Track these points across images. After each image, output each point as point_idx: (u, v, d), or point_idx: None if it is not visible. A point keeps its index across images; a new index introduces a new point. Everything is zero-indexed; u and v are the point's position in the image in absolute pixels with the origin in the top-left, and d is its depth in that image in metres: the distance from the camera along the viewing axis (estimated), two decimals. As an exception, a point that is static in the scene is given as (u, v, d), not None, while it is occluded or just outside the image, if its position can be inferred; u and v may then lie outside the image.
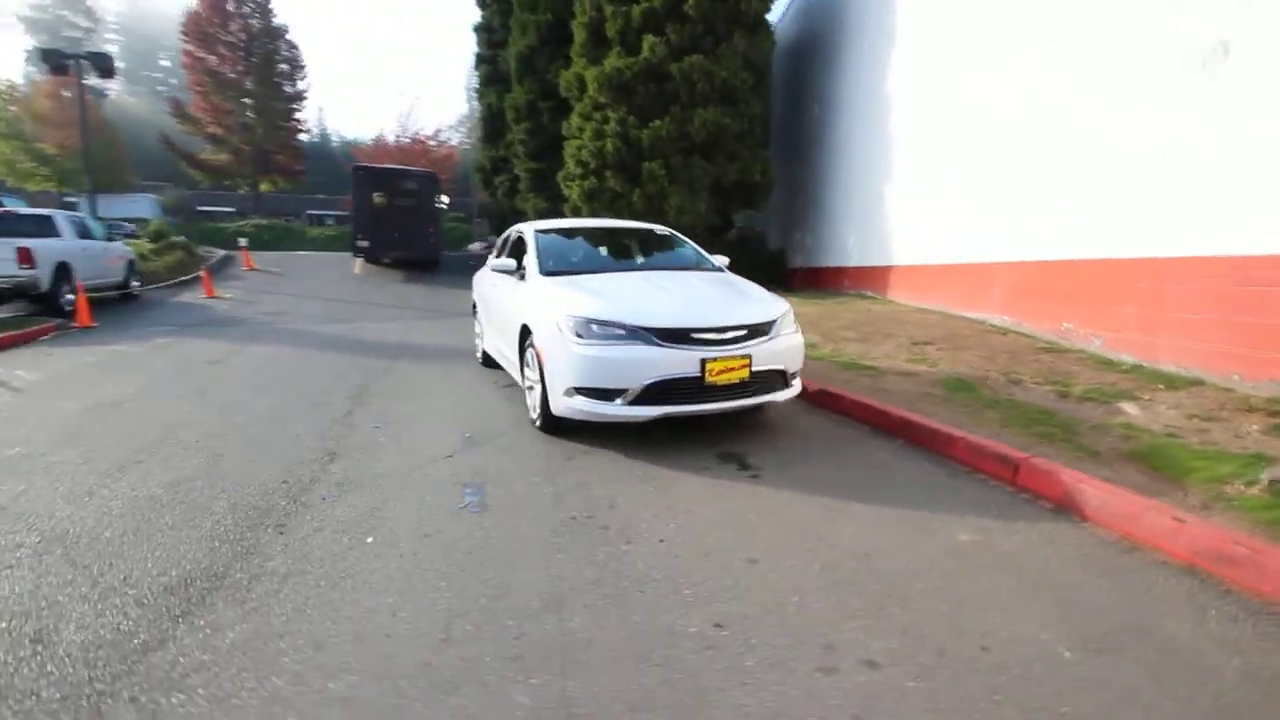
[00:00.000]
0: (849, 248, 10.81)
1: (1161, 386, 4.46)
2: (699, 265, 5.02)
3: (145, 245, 15.62)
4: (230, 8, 30.10)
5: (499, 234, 22.03)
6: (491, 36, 17.56)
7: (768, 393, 3.88)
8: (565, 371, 3.72)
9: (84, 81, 16.05)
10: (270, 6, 31.23)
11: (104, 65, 15.95)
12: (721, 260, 5.19)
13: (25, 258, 8.85)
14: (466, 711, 1.67)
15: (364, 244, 16.20)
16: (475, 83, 66.79)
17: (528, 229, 5.28)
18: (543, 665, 1.84)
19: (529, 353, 4.25)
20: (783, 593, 2.22)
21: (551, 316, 3.89)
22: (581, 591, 2.24)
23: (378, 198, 16.15)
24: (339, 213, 39.58)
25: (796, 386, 4.10)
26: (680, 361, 3.58)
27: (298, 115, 32.92)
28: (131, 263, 12.11)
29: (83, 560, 2.49)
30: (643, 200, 11.19)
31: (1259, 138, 4.11)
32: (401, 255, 16.77)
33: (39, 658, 1.89)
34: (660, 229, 5.65)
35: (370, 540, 2.66)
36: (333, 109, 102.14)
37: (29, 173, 27.12)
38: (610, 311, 3.73)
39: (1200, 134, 4.48)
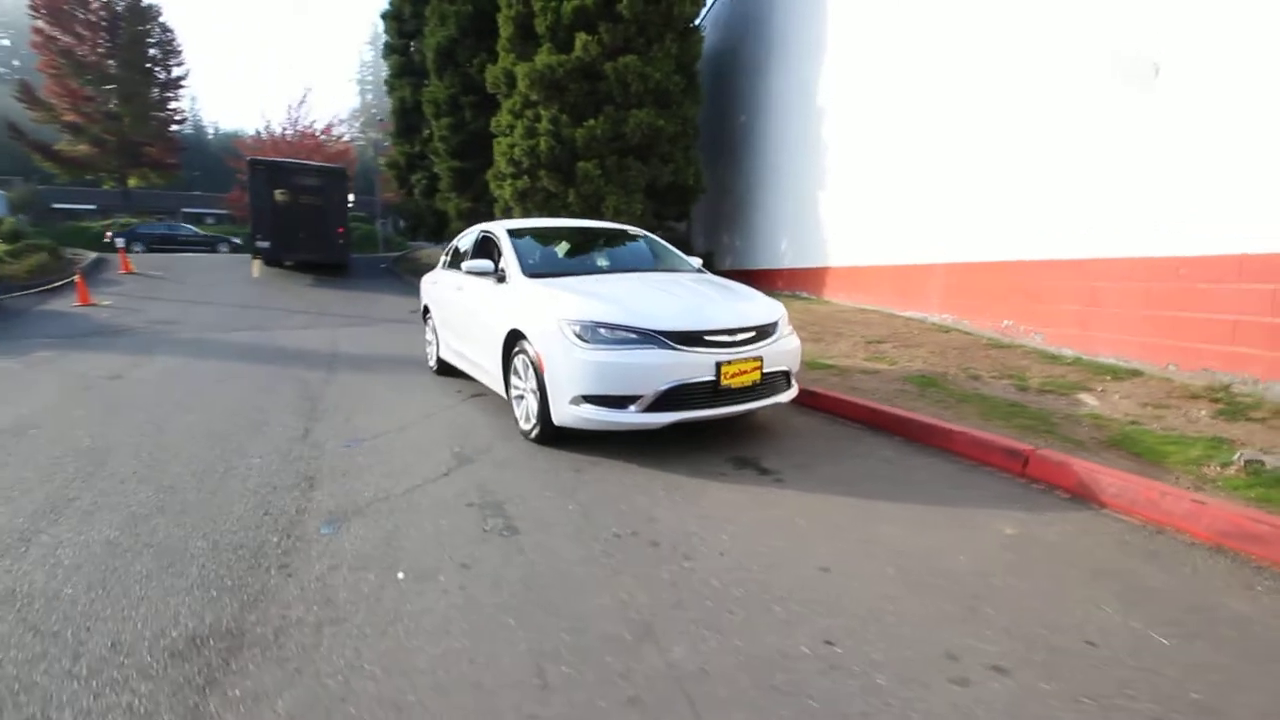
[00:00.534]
0: (781, 251, 11.12)
1: (1108, 377, 4.86)
2: (679, 266, 4.94)
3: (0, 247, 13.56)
4: (89, -18, 26.82)
5: (414, 234, 20.99)
6: (403, 25, 16.61)
7: (774, 394, 3.86)
8: (572, 379, 3.51)
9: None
10: (140, -16, 28.09)
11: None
12: (696, 261, 5.14)
13: None
14: (606, 767, 1.48)
15: (264, 245, 14.90)
16: (368, 74, 62.39)
17: (498, 229, 4.98)
18: (667, 707, 1.68)
19: (519, 359, 4.00)
20: (873, 601, 2.17)
21: (550, 320, 3.66)
22: (667, 617, 2.08)
23: (280, 195, 14.90)
24: (219, 211, 36.35)
25: (795, 388, 4.10)
26: (696, 365, 3.48)
27: (173, 104, 29.80)
28: (-17, 265, 10.44)
29: (47, 626, 2.04)
30: (579, 201, 10.99)
31: (1187, 149, 4.57)
32: (307, 257, 15.57)
33: (38, 760, 1.51)
34: (633, 229, 5.51)
35: (401, 576, 2.36)
36: (209, 98, 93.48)
37: None
38: (617, 314, 3.57)
39: (1133, 144, 4.91)
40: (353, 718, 1.65)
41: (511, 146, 11.23)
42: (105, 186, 31.08)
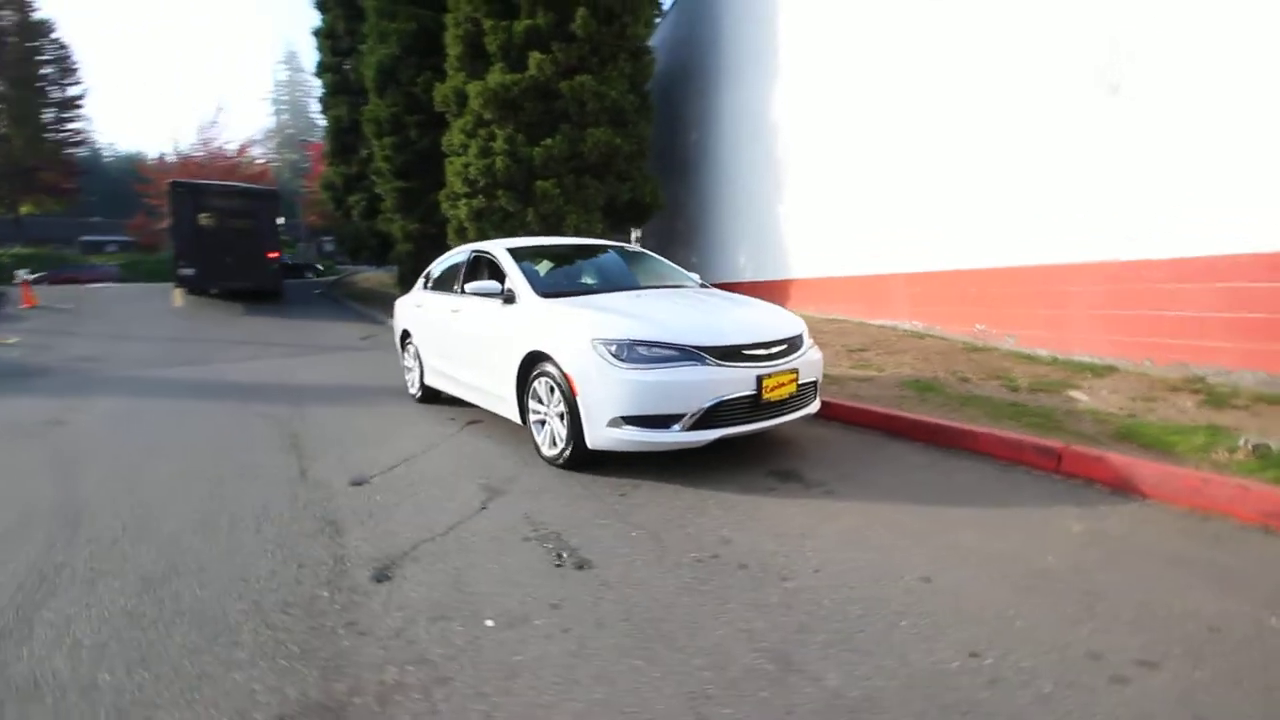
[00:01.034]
0: (740, 265, 11.30)
1: (1089, 375, 5.14)
2: (684, 281, 4.89)
3: None
4: (-34, -5, 24.49)
5: (355, 259, 20.04)
6: (336, 43, 15.96)
7: (805, 406, 3.85)
8: (610, 400, 3.38)
9: None
10: None
11: None
12: (695, 277, 5.12)
13: None
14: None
15: (188, 272, 13.89)
16: (282, 94, 60.05)
17: (495, 249, 4.80)
18: (848, 737, 1.59)
19: (541, 383, 3.82)
20: (991, 608, 2.15)
21: (581, 340, 3.53)
22: (799, 643, 1.99)
23: (205, 218, 13.95)
24: (121, 238, 33.75)
25: (819, 399, 4.12)
26: (737, 380, 3.42)
27: (70, 125, 27.46)
28: None
29: (98, 720, 1.73)
30: (538, 220, 10.82)
31: (1151, 161, 4.94)
32: (236, 285, 14.62)
33: None
34: (630, 246, 5.44)
35: (491, 624, 2.16)
36: (107, 118, 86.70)
37: None
38: (653, 331, 3.47)
39: (1099, 158, 5.27)
40: (514, 790, 1.47)
41: (466, 166, 10.95)
42: (-9, 214, 28.27)
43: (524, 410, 4.05)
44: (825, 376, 5.82)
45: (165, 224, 21.42)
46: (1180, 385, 4.61)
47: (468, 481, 3.66)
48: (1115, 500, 3.07)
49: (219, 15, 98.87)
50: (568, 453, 3.66)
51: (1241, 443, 3.46)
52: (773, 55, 9.87)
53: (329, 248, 39.76)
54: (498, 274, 4.91)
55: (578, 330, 3.60)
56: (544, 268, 4.92)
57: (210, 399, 6.38)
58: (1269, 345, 4.27)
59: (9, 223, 26.96)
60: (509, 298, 4.28)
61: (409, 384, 6.06)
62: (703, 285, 4.94)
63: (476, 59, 11.44)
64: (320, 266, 25.54)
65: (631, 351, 3.40)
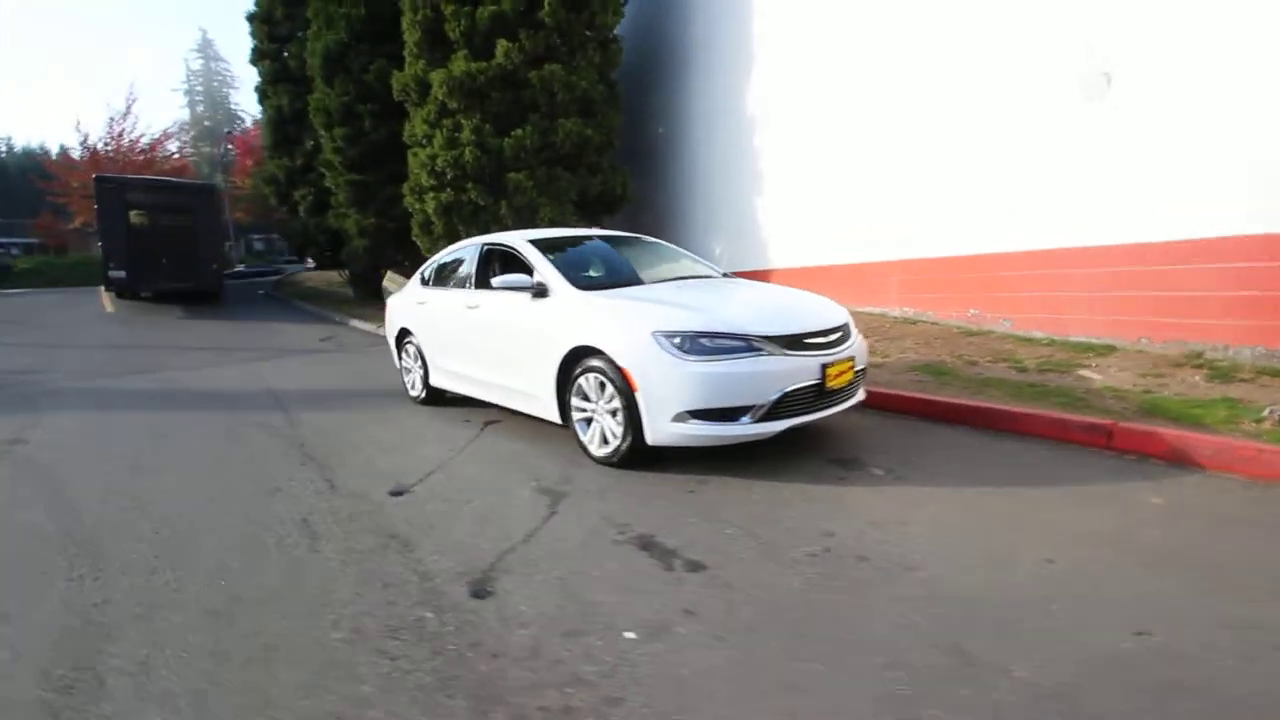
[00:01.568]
0: (716, 256, 11.29)
1: (1091, 354, 5.36)
2: (710, 272, 4.80)
3: None
4: None
5: (302, 257, 18.93)
6: (274, 29, 14.97)
7: (857, 393, 3.84)
8: (675, 393, 3.26)
9: None
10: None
11: None
12: (716, 266, 5.04)
13: None
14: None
15: (118, 274, 12.84)
16: (197, 85, 56.43)
17: (516, 242, 4.58)
18: (1072, 728, 1.54)
19: (589, 379, 3.66)
20: (1129, 586, 2.17)
21: (640, 333, 3.39)
22: (966, 634, 1.93)
23: (136, 217, 12.90)
24: (26, 240, 30.98)
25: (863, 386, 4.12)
26: (804, 369, 3.36)
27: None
28: None
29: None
30: (511, 213, 10.50)
31: (1144, 147, 5.17)
32: (173, 286, 13.61)
33: None
34: (646, 238, 5.31)
35: (632, 635, 2.02)
36: (2, 111, 78.82)
37: None
38: (715, 323, 3.37)
39: (1094, 144, 5.48)
40: (757, 816, 1.35)
41: (432, 158, 10.49)
42: None
43: (565, 408, 3.87)
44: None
45: (78, 223, 19.77)
46: (1182, 361, 4.85)
47: (518, 485, 3.47)
48: (1176, 473, 3.18)
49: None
50: (623, 450, 3.51)
51: (1266, 413, 3.65)
52: (747, 46, 9.88)
53: (259, 246, 37.69)
54: (514, 267, 4.70)
55: (635, 323, 3.46)
56: (595, 260, 4.72)
57: (184, 409, 5.86)
58: (1265, 322, 4.54)
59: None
60: (540, 291, 4.08)
61: (408, 385, 5.75)
62: (727, 275, 4.87)
63: (437, 46, 10.98)
64: (242, 266, 24.18)
65: (695, 343, 3.29)
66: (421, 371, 5.48)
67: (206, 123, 52.52)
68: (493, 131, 10.43)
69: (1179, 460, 3.27)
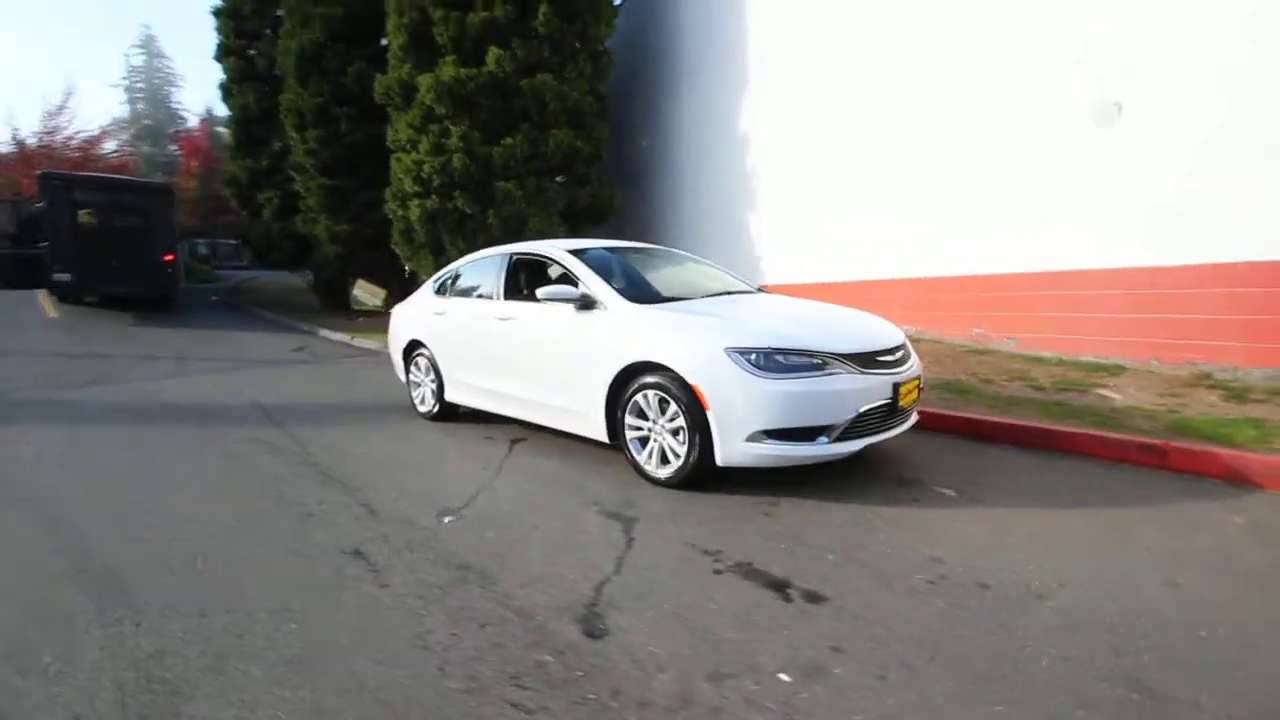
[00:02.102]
0: (704, 271, 11.27)
1: (1105, 374, 5.51)
2: (749, 288, 4.72)
3: None
4: None
5: (265, 261, 18.01)
6: (242, 25, 14.28)
7: (914, 412, 3.80)
8: (751, 412, 3.13)
9: None
10: None
11: None
12: (750, 282, 4.97)
13: None
14: None
15: (64, 277, 11.93)
16: (137, 81, 54.00)
17: (553, 251, 4.39)
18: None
19: (647, 395, 3.49)
20: (1260, 609, 2.14)
21: (711, 349, 3.25)
22: (1133, 665, 1.86)
23: (85, 216, 12.04)
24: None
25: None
26: (877, 388, 3.29)
27: None
28: None
29: None
30: (499, 223, 10.25)
31: (1147, 175, 5.37)
32: (124, 290, 12.72)
33: None
34: (678, 251, 5.19)
35: (787, 678, 1.87)
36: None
37: None
38: (789, 339, 3.27)
39: (1107, 169, 5.67)
40: None
41: (418, 164, 10.16)
42: None
43: (620, 426, 3.69)
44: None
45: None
46: (1195, 382, 5.02)
47: (577, 509, 3.27)
48: (1238, 492, 3.23)
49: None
50: (687, 471, 3.36)
51: (1298, 433, 3.78)
52: (742, 64, 9.96)
53: (202, 250, 35.98)
54: (548, 279, 4.52)
55: (704, 339, 3.32)
56: (638, 273, 4.56)
57: (164, 423, 5.39)
58: (1274, 344, 4.75)
59: None
60: (586, 304, 3.91)
61: (417, 400, 5.44)
62: (760, 290, 4.79)
63: (423, 50, 10.69)
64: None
65: (770, 360, 3.18)
66: (434, 386, 5.19)
67: (147, 121, 49.96)
68: (481, 139, 10.19)
69: (1235, 480, 3.34)
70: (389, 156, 11.17)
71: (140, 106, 51.59)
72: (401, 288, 14.98)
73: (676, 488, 3.45)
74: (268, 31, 13.83)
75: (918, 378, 3.58)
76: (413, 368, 5.45)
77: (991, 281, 6.66)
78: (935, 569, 2.50)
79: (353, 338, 11.07)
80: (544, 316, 4.17)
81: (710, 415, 3.23)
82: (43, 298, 12.60)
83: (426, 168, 10.07)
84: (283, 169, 13.25)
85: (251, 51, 14.32)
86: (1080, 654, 1.94)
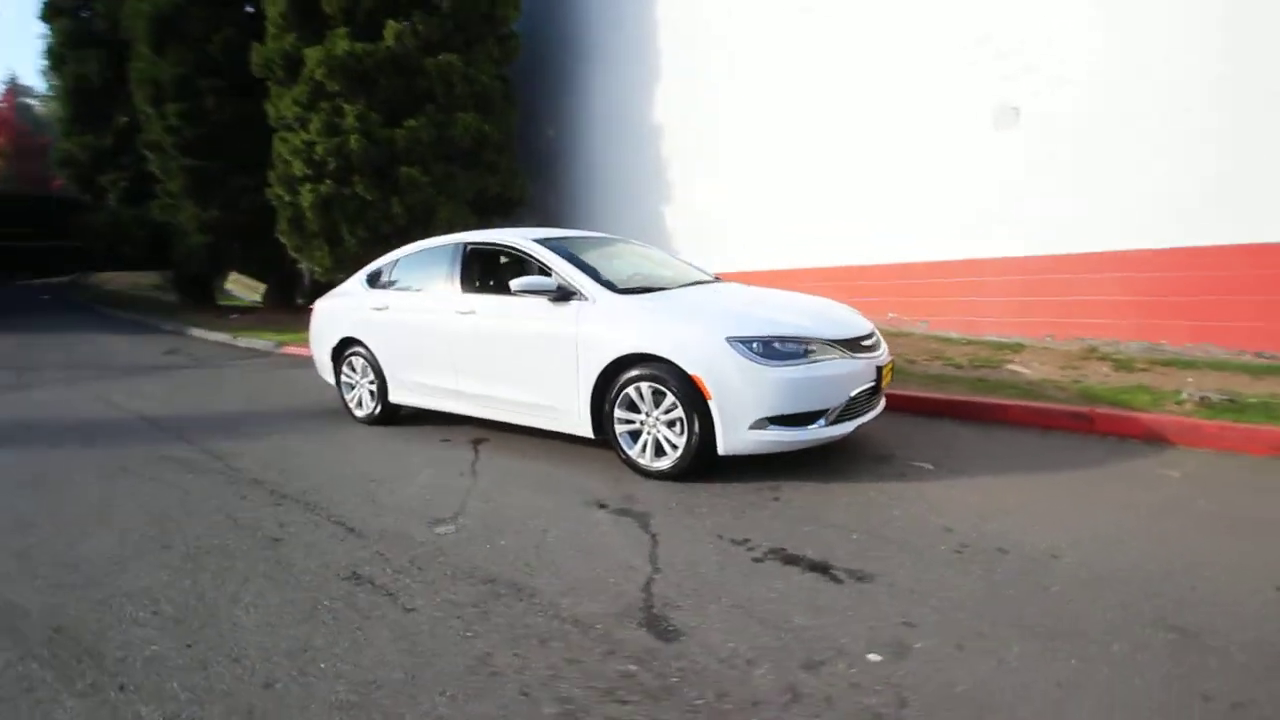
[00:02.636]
0: (618, 261, 11.24)
1: (1009, 351, 6.12)
2: (705, 277, 4.74)
3: None
4: None
5: (112, 251, 15.50)
6: (72, -22, 12.25)
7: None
8: (756, 400, 3.16)
9: None
10: None
11: None
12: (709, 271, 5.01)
13: None
14: None
15: None
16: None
17: (518, 241, 4.17)
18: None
19: (639, 388, 3.42)
20: (1235, 546, 2.47)
21: (710, 339, 3.24)
22: (1167, 611, 2.07)
23: None
24: None
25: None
26: (865, 372, 3.44)
27: None
28: None
29: None
30: (404, 212, 9.61)
31: (1047, 171, 6.01)
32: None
33: None
34: (631, 240, 5.11)
35: (876, 657, 1.90)
36: None
37: None
38: (786, 327, 3.33)
39: (999, 167, 6.27)
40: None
41: (309, 144, 9.27)
42: None
43: (603, 421, 3.59)
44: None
45: None
46: (1086, 355, 5.71)
47: (579, 508, 3.15)
48: (1158, 449, 3.71)
49: None
50: (687, 461, 3.34)
51: (1185, 395, 4.40)
52: (653, 53, 9.96)
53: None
54: (512, 270, 4.31)
55: (702, 328, 3.30)
56: (609, 262, 4.38)
57: (37, 448, 4.54)
58: (1145, 320, 5.51)
59: None
60: (564, 295, 3.75)
61: (352, 403, 4.98)
62: (718, 279, 4.84)
63: (309, 20, 9.75)
64: None
65: (769, 348, 3.22)
66: (374, 387, 4.78)
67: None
68: (381, 120, 9.48)
69: (1153, 439, 3.83)
70: (269, 135, 10.11)
71: None
72: (284, 283, 13.66)
73: (673, 479, 3.41)
74: (106, -12, 11.96)
75: (891, 362, 3.78)
76: (346, 368, 4.98)
77: (904, 269, 7.18)
78: (952, 538, 2.65)
79: (235, 337, 9.96)
80: (513, 309, 3.95)
81: (712, 405, 3.21)
82: None
83: (319, 149, 9.22)
84: (134, 147, 11.56)
85: (86, 13, 12.30)
86: (1114, 604, 2.13)
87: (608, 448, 3.71)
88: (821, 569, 2.45)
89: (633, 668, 1.90)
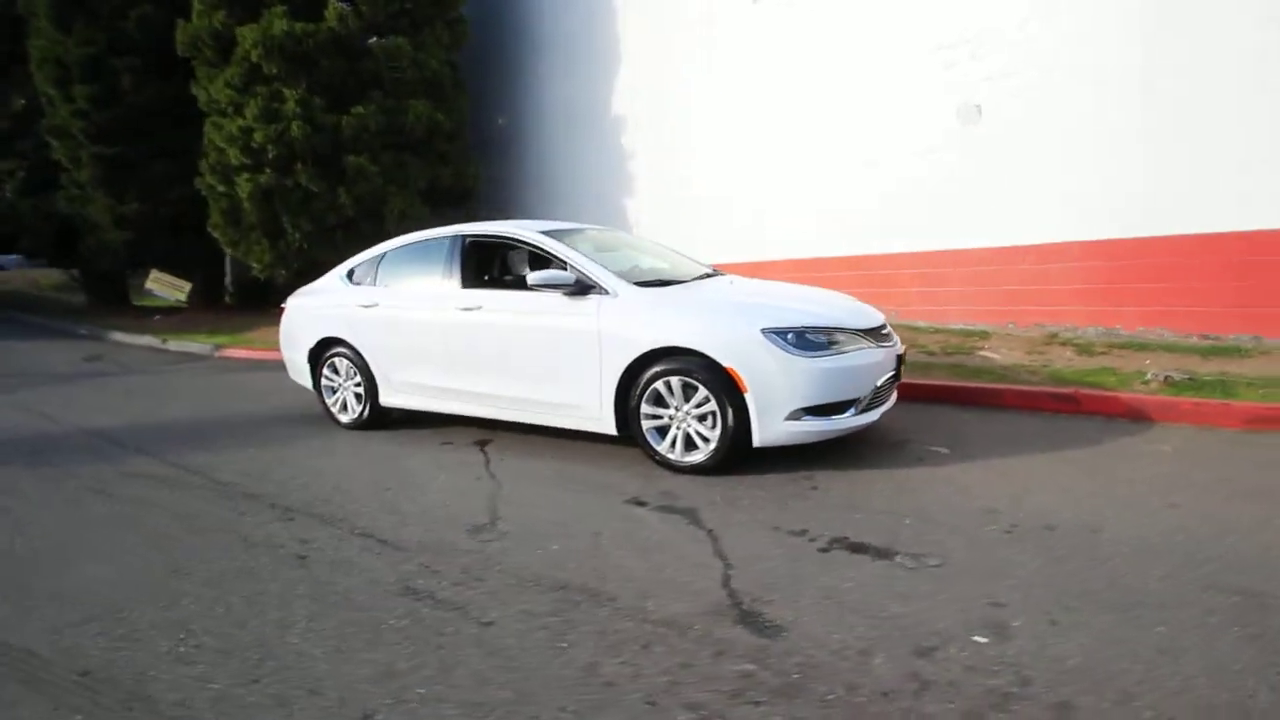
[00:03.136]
0: (577, 255, 11.08)
1: (977, 338, 6.43)
2: (709, 269, 4.72)
3: None
4: None
5: (12, 249, 13.80)
6: (-52, -60, 10.81)
7: (894, 384, 4.11)
8: (793, 391, 3.17)
9: None
10: None
11: None
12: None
13: None
14: None
15: None
16: None
17: (524, 234, 4.01)
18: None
19: (670, 382, 3.36)
20: (1247, 511, 2.68)
21: (745, 331, 3.22)
22: (1218, 574, 2.21)
23: None
24: None
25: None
26: (887, 360, 3.52)
27: None
28: None
29: None
30: (352, 203, 9.12)
31: (1006, 166, 6.34)
32: None
33: None
34: (621, 231, 5.02)
35: (983, 639, 1.94)
36: None
37: None
38: (816, 318, 3.36)
39: (963, 164, 6.56)
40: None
41: (246, 131, 8.63)
42: None
43: (628, 417, 3.52)
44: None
45: None
46: (1048, 340, 6.07)
47: (620, 508, 3.08)
48: (1142, 426, 3.98)
49: None
50: (721, 455, 3.32)
51: (1149, 376, 4.75)
52: (614, 49, 9.83)
53: None
54: (515, 263, 4.16)
55: (737, 321, 3.28)
56: (613, 255, 4.29)
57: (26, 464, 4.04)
58: (1099, 307, 5.92)
59: None
60: (581, 289, 3.64)
61: (335, 407, 4.68)
62: (715, 271, 4.84)
63: (240, -4, 9.04)
64: None
65: (803, 339, 3.24)
66: (361, 389, 4.51)
67: None
68: (325, 106, 8.94)
69: (1136, 417, 4.11)
70: (197, 120, 9.36)
71: None
72: (210, 281, 12.68)
73: (705, 474, 3.38)
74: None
75: (903, 350, 3.88)
76: (327, 370, 4.67)
77: (870, 261, 7.41)
78: (999, 519, 2.75)
79: (165, 340, 9.20)
80: (524, 304, 3.81)
81: (748, 397, 3.20)
82: None
83: (258, 136, 8.60)
84: (33, 132, 10.42)
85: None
86: (1166, 573, 2.26)
87: (623, 444, 3.65)
88: (887, 555, 2.48)
89: (750, 667, 1.86)
